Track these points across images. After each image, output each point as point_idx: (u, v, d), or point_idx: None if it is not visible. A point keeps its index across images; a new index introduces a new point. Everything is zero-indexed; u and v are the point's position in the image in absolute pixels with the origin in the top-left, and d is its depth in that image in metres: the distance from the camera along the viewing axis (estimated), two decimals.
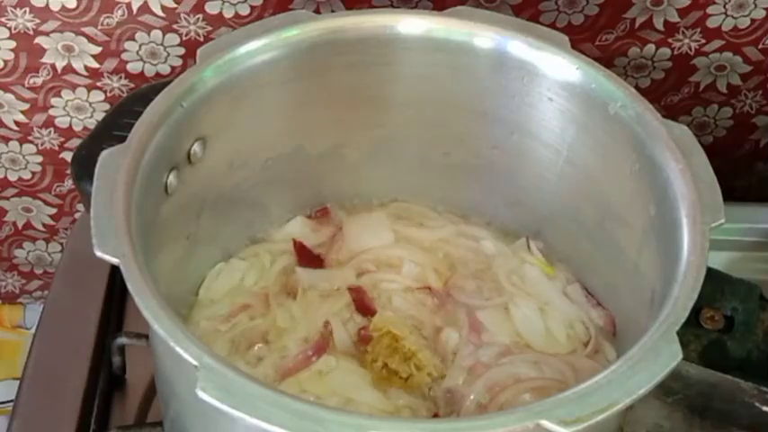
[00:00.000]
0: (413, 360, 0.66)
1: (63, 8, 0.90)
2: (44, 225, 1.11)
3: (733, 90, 0.98)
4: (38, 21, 0.91)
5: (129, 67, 0.95)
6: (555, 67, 0.67)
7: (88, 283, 0.81)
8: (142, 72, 0.95)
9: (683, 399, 0.67)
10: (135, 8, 0.90)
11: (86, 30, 0.92)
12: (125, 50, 0.93)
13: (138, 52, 0.94)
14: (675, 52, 0.95)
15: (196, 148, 0.65)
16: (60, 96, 0.97)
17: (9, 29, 0.92)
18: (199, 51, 0.65)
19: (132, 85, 0.96)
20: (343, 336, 0.68)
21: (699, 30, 0.93)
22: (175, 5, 0.90)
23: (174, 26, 0.92)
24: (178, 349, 0.51)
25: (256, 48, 0.66)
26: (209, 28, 0.92)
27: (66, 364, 0.77)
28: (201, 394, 0.50)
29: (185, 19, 0.91)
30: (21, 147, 1.02)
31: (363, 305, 0.70)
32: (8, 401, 1.13)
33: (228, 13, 0.91)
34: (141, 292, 0.53)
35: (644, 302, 0.62)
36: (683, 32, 0.93)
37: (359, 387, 0.65)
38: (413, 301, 0.71)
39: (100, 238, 0.55)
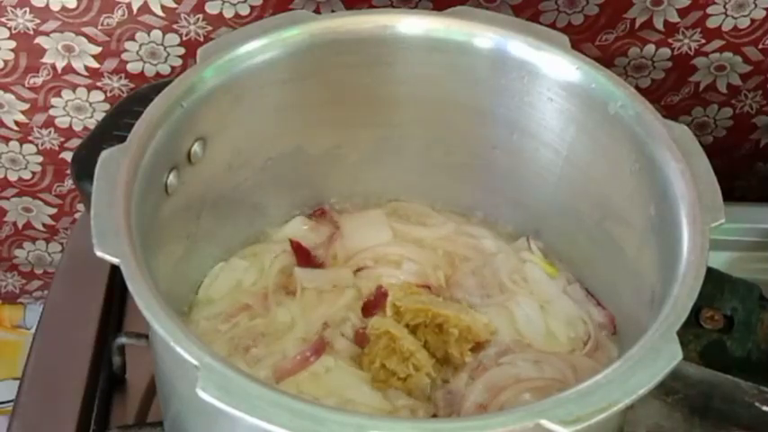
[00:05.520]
0: (411, 360, 0.66)
1: (63, 8, 0.90)
2: (44, 225, 1.11)
3: (733, 90, 0.98)
4: (38, 21, 0.91)
5: (129, 67, 0.95)
6: (555, 67, 0.67)
7: (88, 283, 0.81)
8: (142, 72, 0.95)
9: (683, 399, 0.67)
10: (135, 8, 0.90)
11: (86, 30, 0.92)
12: (125, 50, 0.93)
13: (138, 52, 0.94)
14: (675, 52, 0.95)
15: (196, 148, 0.65)
16: (60, 96, 0.97)
17: (9, 29, 0.92)
18: (199, 51, 0.65)
19: (132, 85, 0.96)
20: (341, 336, 0.68)
21: (699, 30, 0.93)
22: (175, 5, 0.90)
23: (174, 26, 0.92)
24: (178, 349, 0.51)
25: (256, 48, 0.66)
26: (210, 28, 0.92)
27: (66, 364, 0.77)
28: (202, 394, 0.50)
29: (185, 19, 0.91)
30: (21, 147, 1.02)
31: (373, 306, 0.70)
32: (8, 401, 1.13)
33: (228, 13, 0.91)
34: (141, 292, 0.53)
35: (644, 302, 0.62)
36: (683, 32, 0.93)
37: (357, 388, 0.65)
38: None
39: (100, 237, 0.55)
